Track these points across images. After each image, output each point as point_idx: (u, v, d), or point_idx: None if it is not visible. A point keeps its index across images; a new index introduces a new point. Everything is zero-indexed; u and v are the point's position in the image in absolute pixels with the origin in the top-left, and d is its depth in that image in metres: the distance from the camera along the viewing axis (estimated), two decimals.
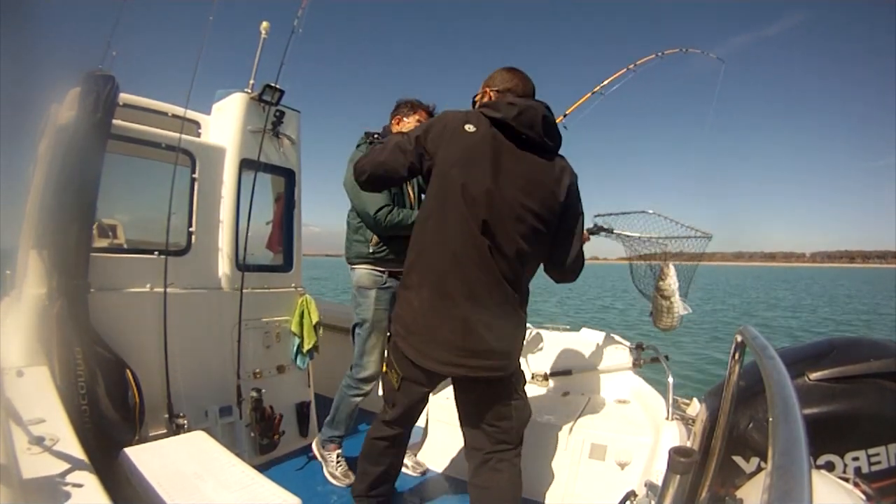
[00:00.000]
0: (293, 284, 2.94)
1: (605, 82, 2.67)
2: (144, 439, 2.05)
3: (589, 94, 2.67)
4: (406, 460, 2.55)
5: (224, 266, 2.65)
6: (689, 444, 1.91)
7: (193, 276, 2.51)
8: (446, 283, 1.51)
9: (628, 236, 2.32)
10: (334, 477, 2.44)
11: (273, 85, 2.62)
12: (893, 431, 1.45)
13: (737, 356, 1.28)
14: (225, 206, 2.67)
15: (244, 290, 2.55)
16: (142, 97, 2.54)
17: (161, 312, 2.27)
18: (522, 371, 1.81)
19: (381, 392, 2.02)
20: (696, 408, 2.31)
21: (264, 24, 2.61)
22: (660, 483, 1.16)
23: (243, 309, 2.54)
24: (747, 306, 22.12)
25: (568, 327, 2.98)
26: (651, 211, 2.25)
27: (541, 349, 2.92)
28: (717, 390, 1.55)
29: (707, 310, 19.02)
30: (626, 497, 1.62)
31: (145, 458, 1.72)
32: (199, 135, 2.77)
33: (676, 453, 1.06)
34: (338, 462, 2.47)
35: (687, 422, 2.20)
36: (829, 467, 1.44)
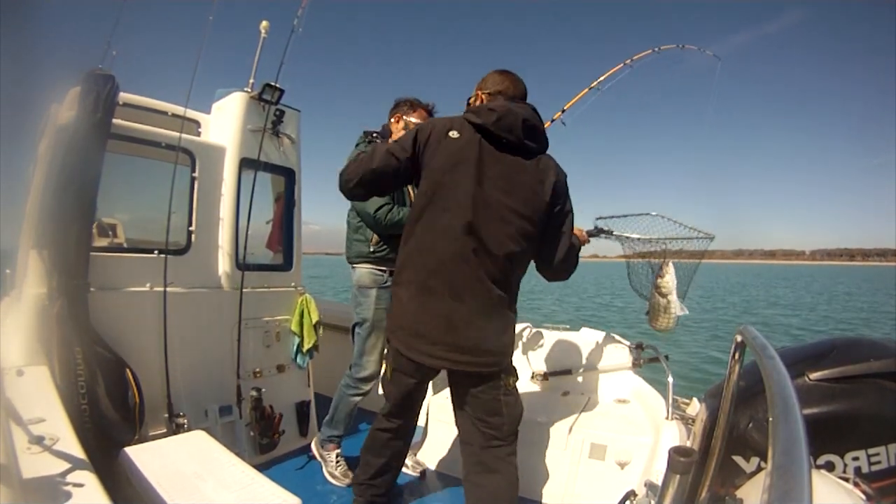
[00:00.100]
0: (293, 284, 2.94)
1: (602, 78, 2.68)
2: (144, 439, 2.05)
3: (586, 90, 2.67)
4: (406, 460, 2.56)
5: (224, 265, 2.65)
6: (689, 443, 1.91)
7: (193, 275, 2.51)
8: (432, 282, 1.59)
9: (629, 238, 2.32)
10: (333, 477, 2.44)
11: (273, 84, 2.62)
12: (893, 431, 1.45)
13: (737, 356, 1.28)
14: (225, 205, 2.67)
15: (244, 290, 2.55)
16: (142, 96, 2.54)
17: (161, 312, 2.27)
18: (514, 368, 1.81)
19: (381, 391, 2.03)
20: (696, 407, 2.31)
21: (264, 23, 2.61)
22: (660, 483, 1.16)
23: (243, 308, 2.54)
24: (747, 304, 22.14)
25: (568, 327, 2.98)
26: (654, 213, 2.26)
27: (541, 349, 2.92)
28: (717, 390, 1.54)
29: (707, 308, 19.04)
30: (626, 497, 1.62)
31: (145, 457, 1.72)
32: (199, 134, 2.77)
33: (676, 453, 1.06)
34: (337, 462, 2.47)
35: (687, 421, 2.21)
36: (829, 467, 1.44)
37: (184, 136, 2.41)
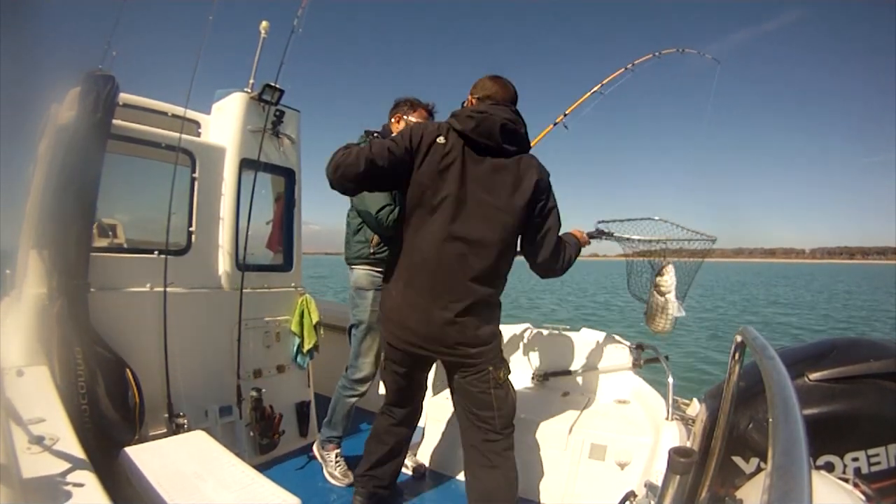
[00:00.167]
0: (293, 284, 2.94)
1: (605, 81, 2.69)
2: (144, 439, 2.05)
3: (588, 94, 2.67)
4: (406, 460, 2.56)
5: (224, 265, 2.65)
6: (688, 444, 1.91)
7: (193, 275, 2.51)
8: (417, 279, 1.71)
9: (628, 238, 2.32)
10: (333, 477, 2.44)
11: (273, 84, 2.62)
12: (893, 432, 1.45)
13: (737, 356, 1.28)
14: (225, 205, 2.67)
15: (244, 290, 2.55)
16: (142, 97, 2.54)
17: (161, 312, 2.27)
18: (505, 361, 1.85)
19: (381, 391, 2.03)
20: (695, 408, 2.31)
21: (264, 23, 2.61)
22: (659, 483, 1.16)
23: (243, 308, 2.55)
24: (747, 304, 22.14)
25: (568, 327, 2.98)
26: (658, 217, 2.26)
27: (541, 349, 2.92)
28: (717, 390, 1.55)
29: (707, 307, 19.05)
30: (626, 497, 1.62)
31: (145, 457, 1.72)
32: (199, 134, 2.77)
33: (676, 453, 1.06)
34: (336, 462, 2.47)
35: (687, 422, 2.21)
36: (829, 468, 1.44)
37: (184, 136, 2.41)
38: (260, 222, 2.99)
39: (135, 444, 1.91)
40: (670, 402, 2.24)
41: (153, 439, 2.01)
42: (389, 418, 2.09)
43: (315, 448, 2.59)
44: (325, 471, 2.49)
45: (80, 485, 1.15)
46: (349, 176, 1.64)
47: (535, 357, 2.92)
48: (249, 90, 2.71)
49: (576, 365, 2.80)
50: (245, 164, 2.71)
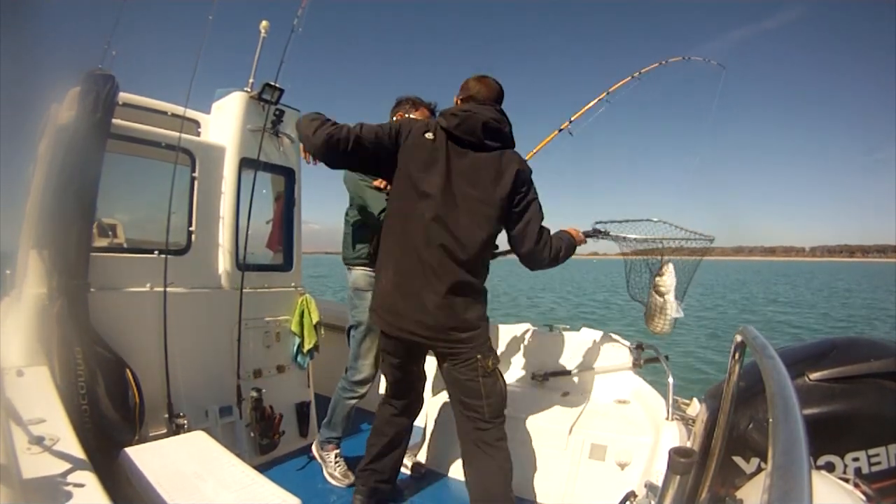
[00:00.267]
0: (293, 284, 2.94)
1: (611, 89, 2.68)
2: (144, 439, 2.05)
3: (595, 101, 2.67)
4: (406, 460, 2.56)
5: (224, 265, 2.65)
6: (689, 444, 1.91)
7: (193, 275, 2.51)
8: (406, 266, 1.77)
9: (625, 238, 2.32)
10: (333, 477, 2.44)
11: (273, 84, 2.62)
12: (893, 432, 1.45)
13: (737, 356, 1.28)
14: (225, 205, 2.67)
15: (244, 290, 2.55)
16: (141, 96, 2.53)
17: (161, 312, 2.27)
18: (493, 350, 1.89)
19: (381, 391, 2.03)
20: (696, 408, 2.31)
21: (264, 23, 2.61)
22: (660, 483, 1.16)
23: (243, 308, 2.54)
24: (747, 303, 22.13)
25: (568, 327, 2.98)
26: (656, 219, 2.25)
27: (541, 349, 2.92)
28: (717, 390, 1.55)
29: (707, 306, 19.04)
30: (626, 497, 1.62)
31: (145, 457, 1.72)
32: (198, 134, 2.77)
33: (676, 453, 1.06)
34: (336, 462, 2.46)
35: (687, 422, 2.21)
36: (830, 468, 1.44)
37: (184, 136, 2.40)
38: (260, 222, 2.99)
39: (135, 444, 1.91)
40: (670, 401, 2.24)
41: (153, 439, 2.02)
42: (390, 408, 2.13)
43: (314, 448, 2.58)
44: (324, 471, 2.48)
45: (81, 485, 1.15)
46: (338, 149, 1.71)
47: (535, 357, 2.91)
48: (249, 89, 2.71)
49: (576, 365, 2.79)
50: (245, 164, 2.71)
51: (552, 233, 1.97)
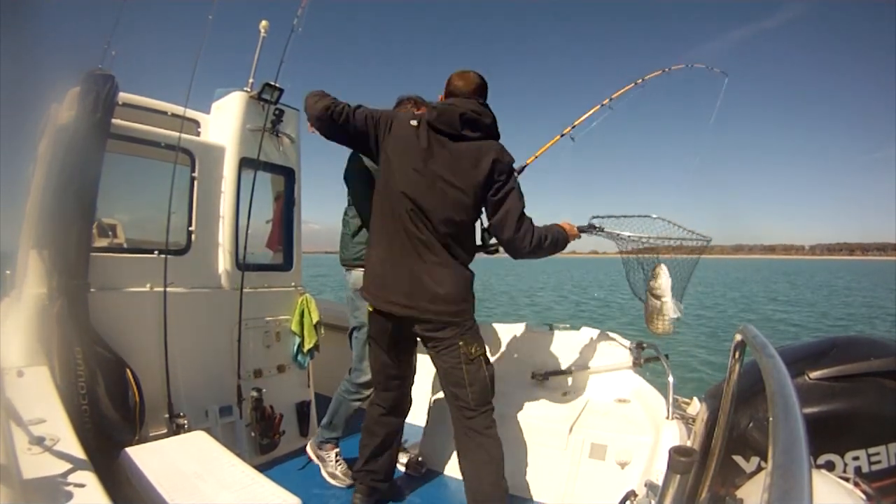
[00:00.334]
0: (293, 283, 2.94)
1: (614, 96, 2.69)
2: (145, 439, 2.05)
3: (597, 107, 2.68)
4: (405, 459, 2.56)
5: (224, 265, 2.65)
6: (689, 443, 1.91)
7: (193, 275, 2.51)
8: (393, 244, 1.87)
9: (619, 235, 2.31)
10: (334, 477, 2.42)
11: (273, 83, 2.62)
12: (894, 430, 1.45)
13: (737, 355, 1.28)
14: (224, 204, 2.67)
15: (244, 290, 2.56)
16: (141, 96, 2.54)
17: (161, 312, 2.27)
18: (478, 337, 1.93)
19: None
20: (696, 407, 2.31)
21: (263, 22, 2.62)
22: (660, 483, 1.16)
23: (243, 308, 2.55)
24: (746, 302, 22.13)
25: (568, 326, 2.98)
26: (655, 216, 2.25)
27: (541, 349, 2.92)
28: (717, 390, 1.55)
29: (707, 305, 19.05)
30: (626, 497, 1.63)
31: (146, 457, 1.72)
32: (198, 134, 2.77)
33: (677, 453, 1.06)
34: (337, 461, 2.45)
35: (687, 421, 2.20)
36: (830, 467, 1.44)
37: (183, 135, 2.41)
38: (260, 221, 2.99)
39: (135, 444, 1.91)
40: (671, 401, 2.24)
41: (153, 439, 2.02)
42: (378, 408, 2.16)
43: (310, 449, 2.55)
44: (324, 472, 2.46)
45: (81, 485, 1.16)
46: (333, 120, 1.89)
47: (535, 356, 2.91)
48: (249, 89, 2.71)
49: (576, 364, 2.80)
50: (245, 164, 2.71)
51: (545, 225, 2.03)
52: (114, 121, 2.16)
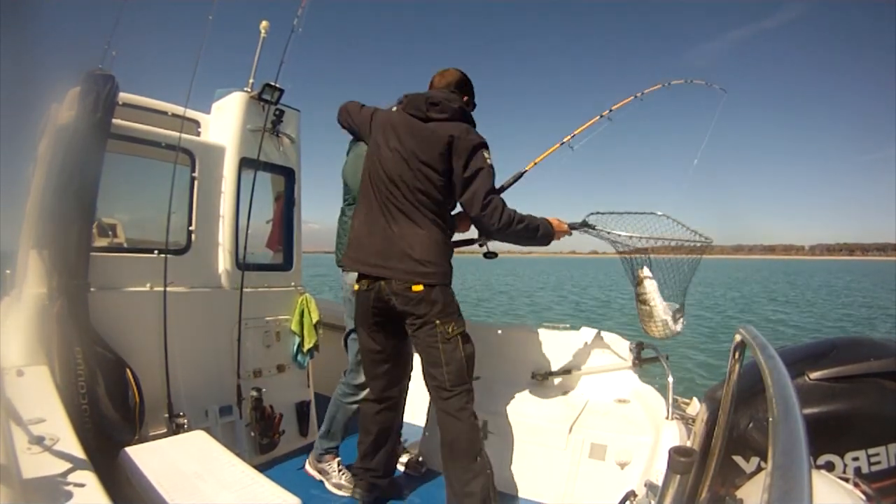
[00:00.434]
0: (293, 283, 2.94)
1: (614, 108, 2.72)
2: (144, 439, 2.05)
3: (597, 118, 2.70)
4: (405, 458, 2.56)
5: (224, 265, 2.65)
6: (689, 443, 1.91)
7: (193, 275, 2.51)
8: (372, 211, 1.99)
9: (612, 234, 2.28)
10: (340, 487, 2.35)
11: (273, 84, 2.63)
12: (893, 431, 1.45)
13: (737, 355, 1.28)
14: (225, 204, 2.67)
15: (244, 289, 2.56)
16: (141, 96, 2.54)
17: (161, 312, 2.28)
18: (458, 319, 1.96)
19: None
20: (696, 407, 2.31)
21: (264, 23, 2.62)
22: (660, 483, 1.16)
23: (243, 308, 2.55)
24: (746, 301, 22.13)
25: (568, 326, 2.98)
26: (660, 213, 2.23)
27: (541, 349, 2.92)
28: (717, 390, 1.54)
29: (707, 305, 19.05)
30: (626, 497, 1.63)
31: (145, 457, 1.72)
32: (198, 134, 2.77)
33: (676, 453, 1.06)
34: (340, 471, 2.39)
35: (687, 421, 2.20)
36: (829, 467, 1.44)
37: (183, 135, 2.41)
38: (260, 221, 2.99)
39: (135, 444, 1.91)
40: (670, 401, 2.24)
41: (153, 439, 2.02)
42: (371, 404, 2.19)
43: (309, 467, 2.48)
44: (328, 485, 2.38)
45: (81, 485, 1.16)
46: (340, 113, 2.28)
47: (534, 357, 2.91)
48: (249, 89, 2.71)
49: (576, 364, 2.79)
50: (245, 164, 2.71)
51: (527, 214, 2.09)
52: (114, 121, 2.16)
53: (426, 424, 2.72)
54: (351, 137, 2.49)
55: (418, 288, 1.88)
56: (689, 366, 8.04)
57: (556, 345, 2.89)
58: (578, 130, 2.68)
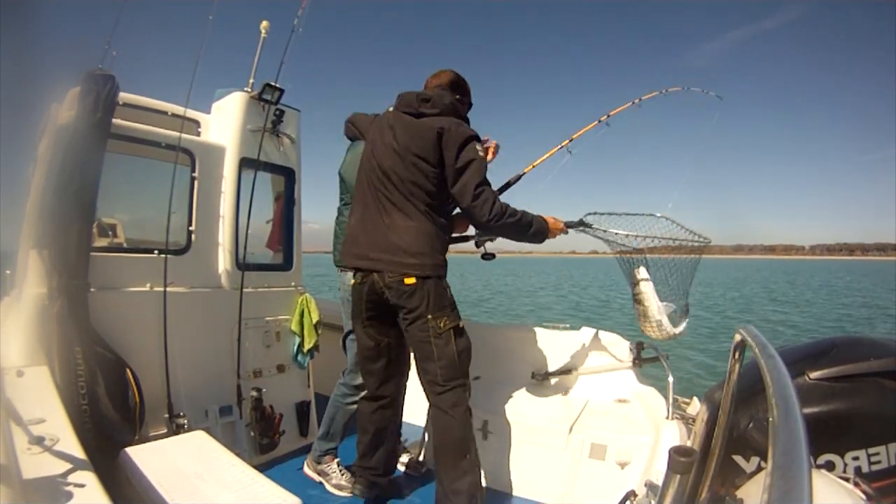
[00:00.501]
0: (293, 283, 2.94)
1: (612, 113, 2.76)
2: (144, 439, 2.05)
3: (595, 123, 2.74)
4: (405, 458, 2.56)
5: (224, 265, 2.65)
6: (689, 443, 1.91)
7: (193, 275, 2.51)
8: (367, 206, 2.02)
9: (609, 233, 2.27)
10: (341, 488, 2.34)
11: (273, 84, 2.63)
12: (894, 431, 1.45)
13: (737, 355, 1.28)
14: (225, 204, 2.67)
15: (244, 289, 2.56)
16: (142, 96, 2.53)
17: (161, 312, 2.28)
18: (451, 314, 1.96)
19: None
20: (696, 407, 2.31)
21: (264, 23, 2.62)
22: (660, 483, 1.16)
23: (243, 308, 2.55)
24: (746, 302, 22.12)
25: (568, 326, 2.98)
26: (660, 214, 2.24)
27: (541, 349, 2.92)
28: (717, 389, 1.55)
29: (707, 305, 19.04)
30: (626, 497, 1.63)
31: (145, 457, 1.72)
32: (198, 134, 2.77)
33: (676, 453, 1.06)
34: (340, 471, 2.38)
35: (687, 421, 2.20)
36: (830, 467, 1.44)
37: (184, 135, 2.41)
38: (260, 221, 2.99)
39: (135, 444, 1.91)
40: (670, 401, 2.24)
41: (153, 439, 2.02)
42: (368, 403, 2.19)
43: (308, 469, 2.46)
44: (328, 486, 2.37)
45: (81, 485, 1.16)
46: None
47: (534, 356, 2.91)
48: (249, 89, 2.71)
49: (576, 364, 2.79)
50: (245, 164, 2.71)
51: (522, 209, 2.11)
52: (114, 121, 2.16)
53: (426, 424, 2.72)
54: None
55: (411, 280, 1.89)
56: (689, 366, 8.04)
57: (556, 345, 2.89)
58: (577, 135, 2.72)
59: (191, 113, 2.67)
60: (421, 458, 2.62)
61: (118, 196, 2.63)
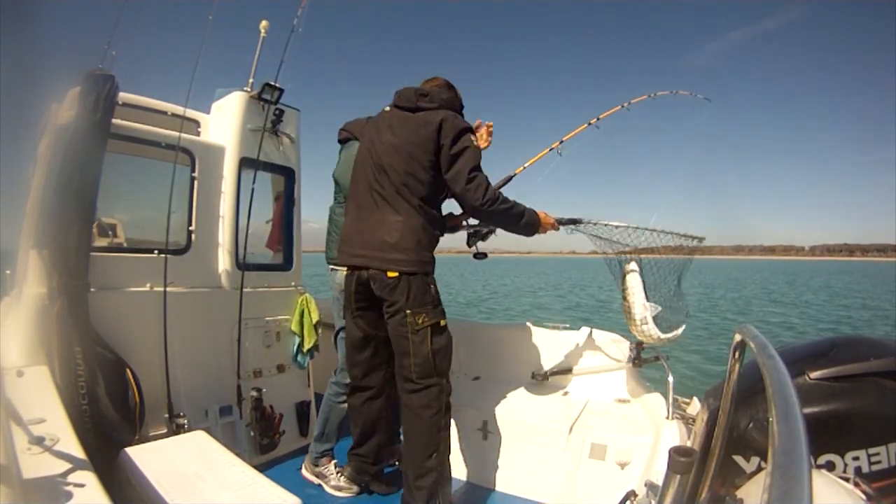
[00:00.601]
0: (293, 283, 2.94)
1: (601, 116, 2.80)
2: (145, 439, 2.05)
3: (584, 126, 2.76)
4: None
5: (224, 265, 2.65)
6: (689, 443, 1.91)
7: (193, 275, 2.51)
8: (361, 204, 2.04)
9: (597, 225, 2.30)
10: (340, 489, 2.34)
11: (273, 83, 2.63)
12: (894, 430, 1.45)
13: (736, 355, 1.28)
14: (224, 204, 2.67)
15: (244, 289, 2.56)
16: (141, 96, 2.53)
17: (161, 312, 2.28)
18: (430, 310, 1.96)
19: None
20: (696, 407, 2.31)
21: (264, 22, 2.62)
22: (660, 483, 1.16)
23: (243, 308, 2.55)
24: (746, 302, 22.11)
25: (568, 326, 2.98)
26: (651, 225, 2.25)
27: (541, 348, 2.92)
28: (717, 389, 1.54)
29: (707, 306, 19.03)
30: (626, 497, 1.62)
31: (145, 457, 1.72)
32: (198, 133, 2.77)
33: (676, 453, 1.06)
34: (338, 473, 2.38)
35: (687, 421, 2.20)
36: (830, 467, 1.44)
37: (183, 135, 2.41)
38: (260, 221, 2.99)
39: (135, 444, 1.91)
40: (670, 401, 2.24)
41: (153, 439, 2.02)
42: (356, 397, 2.23)
43: (306, 472, 2.45)
44: (327, 488, 2.36)
45: (81, 485, 1.16)
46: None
47: (534, 356, 2.91)
48: (249, 89, 2.71)
49: (576, 364, 2.79)
50: (245, 163, 2.71)
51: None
52: (114, 121, 2.16)
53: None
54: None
55: (393, 274, 1.91)
56: (689, 366, 8.04)
57: (556, 345, 2.89)
58: (567, 137, 2.75)
59: (190, 113, 2.67)
60: None
61: (118, 196, 2.63)
